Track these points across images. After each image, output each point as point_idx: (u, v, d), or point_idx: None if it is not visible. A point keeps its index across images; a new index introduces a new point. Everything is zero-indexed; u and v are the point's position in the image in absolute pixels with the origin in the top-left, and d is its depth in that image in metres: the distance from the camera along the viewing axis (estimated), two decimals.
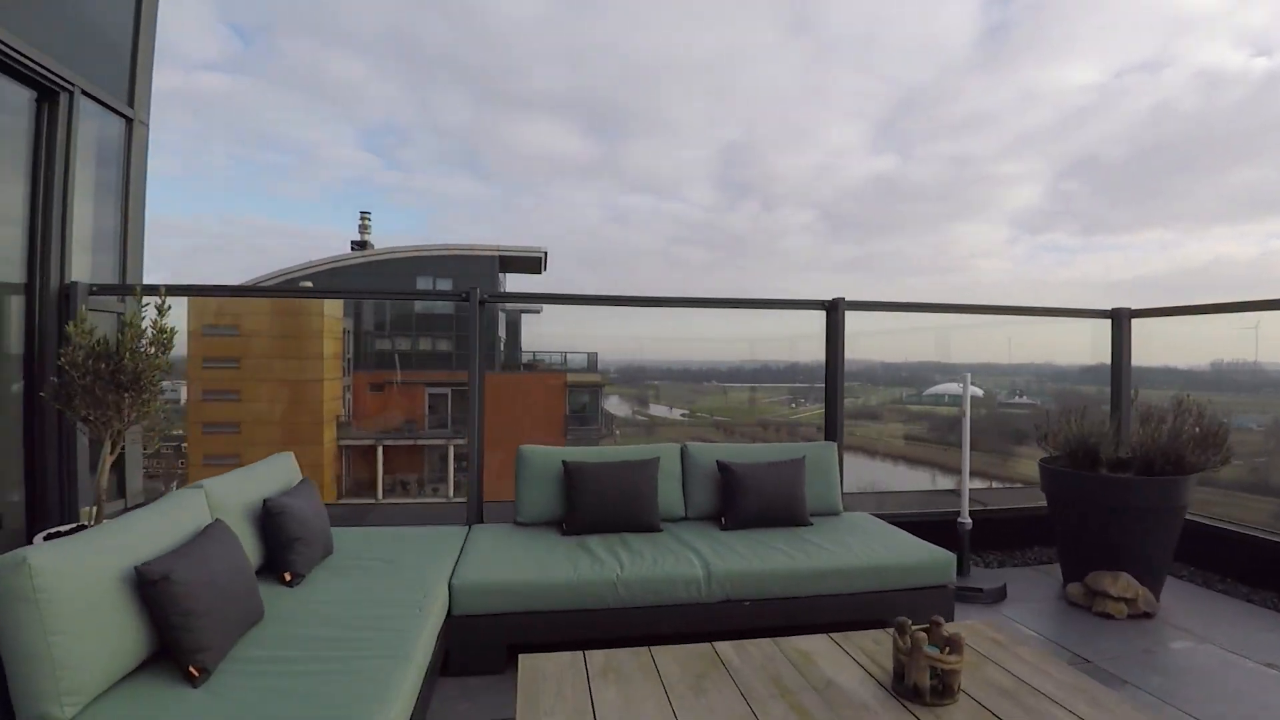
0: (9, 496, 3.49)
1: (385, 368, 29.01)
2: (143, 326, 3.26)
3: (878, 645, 2.60)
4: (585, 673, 2.37)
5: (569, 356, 37.55)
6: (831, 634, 2.66)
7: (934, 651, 2.18)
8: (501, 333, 32.37)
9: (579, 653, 2.52)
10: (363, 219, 30.34)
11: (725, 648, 2.56)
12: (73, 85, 3.58)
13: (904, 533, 3.72)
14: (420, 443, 27.12)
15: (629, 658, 2.48)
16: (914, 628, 2.28)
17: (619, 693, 2.24)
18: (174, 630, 2.03)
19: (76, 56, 3.65)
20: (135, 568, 2.01)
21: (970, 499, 4.24)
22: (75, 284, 3.62)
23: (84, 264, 3.94)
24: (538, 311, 43.14)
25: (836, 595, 3.24)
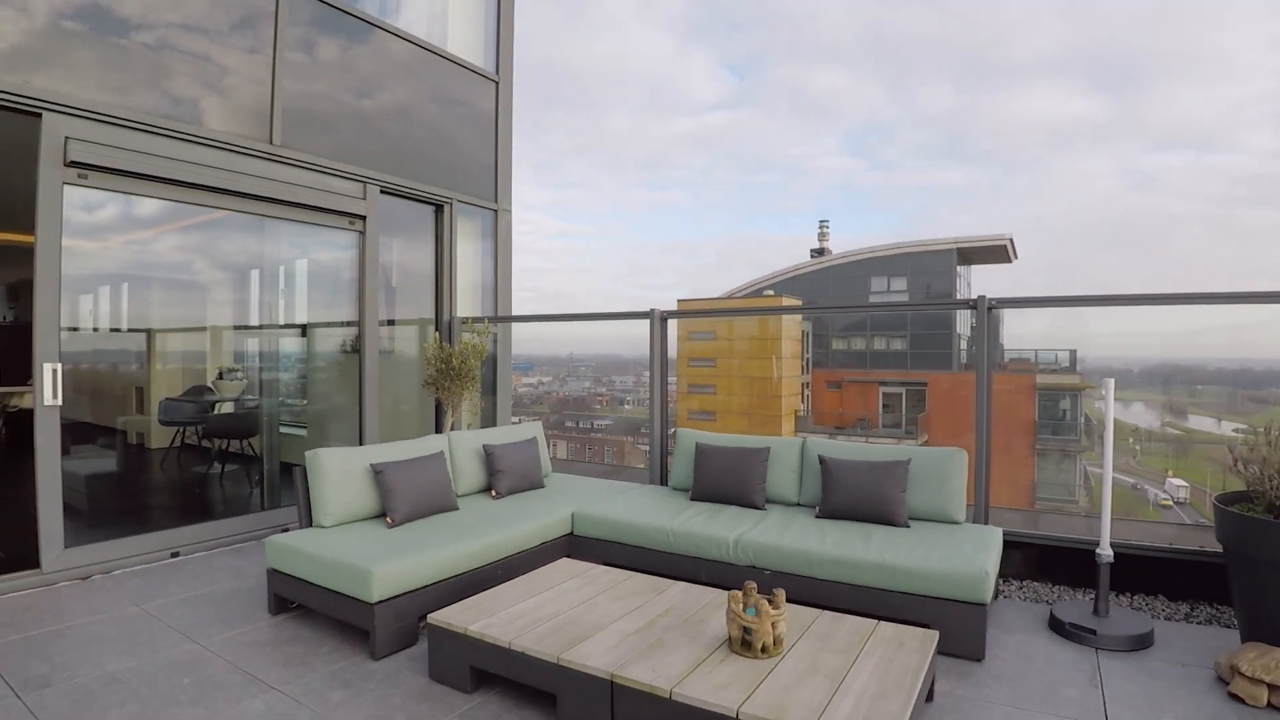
0: (425, 428, 6.25)
1: (840, 366, 30.59)
2: (466, 343, 5.51)
3: (810, 623, 2.93)
4: (585, 570, 3.53)
5: (1057, 355, 32.94)
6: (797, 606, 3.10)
7: (749, 615, 2.64)
8: (962, 329, 30.50)
9: (591, 563, 3.67)
10: (821, 227, 32.62)
11: (680, 585, 3.35)
12: (450, 198, 6.15)
13: (993, 552, 3.51)
14: (871, 440, 27.83)
15: (616, 575, 3.50)
16: (759, 596, 2.73)
17: (580, 584, 3.35)
18: (384, 498, 3.97)
19: (457, 180, 6.23)
20: (370, 464, 4.02)
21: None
22: (454, 317, 6.19)
23: (475, 303, 6.57)
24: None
25: (853, 586, 3.45)
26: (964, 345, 30.42)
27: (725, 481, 4.47)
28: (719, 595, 3.19)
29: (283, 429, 6.02)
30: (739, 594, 2.69)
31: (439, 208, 6.25)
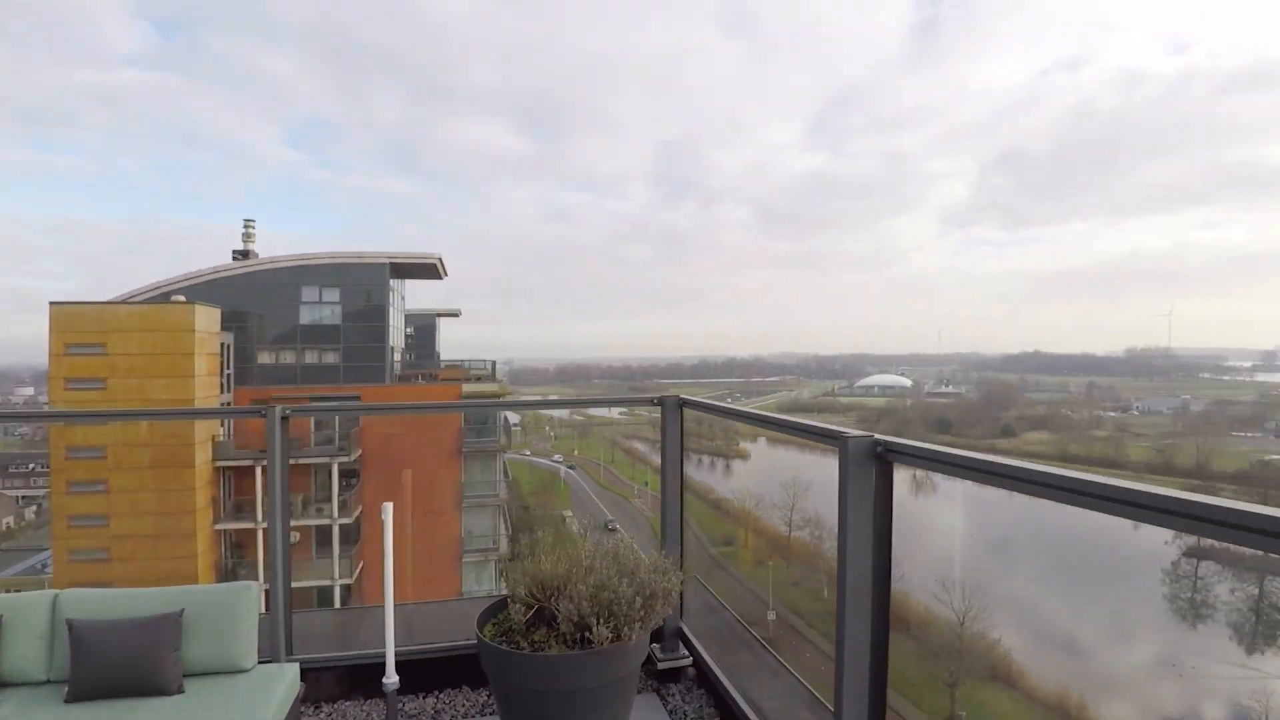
0: None
1: (270, 383, 28.08)
2: None
3: None
4: None
5: (494, 366, 36.77)
6: None
7: None
8: (397, 341, 31.53)
9: None
10: (246, 226, 29.18)
11: None
12: None
13: (274, 702, 3.33)
14: (304, 461, 26.34)
15: None
16: None
17: None
18: None
19: None
20: None
21: None
22: None
23: None
24: (456, 314, 42.30)
25: None
26: (397, 358, 31.41)
27: None
28: None
29: None
30: None
31: None
